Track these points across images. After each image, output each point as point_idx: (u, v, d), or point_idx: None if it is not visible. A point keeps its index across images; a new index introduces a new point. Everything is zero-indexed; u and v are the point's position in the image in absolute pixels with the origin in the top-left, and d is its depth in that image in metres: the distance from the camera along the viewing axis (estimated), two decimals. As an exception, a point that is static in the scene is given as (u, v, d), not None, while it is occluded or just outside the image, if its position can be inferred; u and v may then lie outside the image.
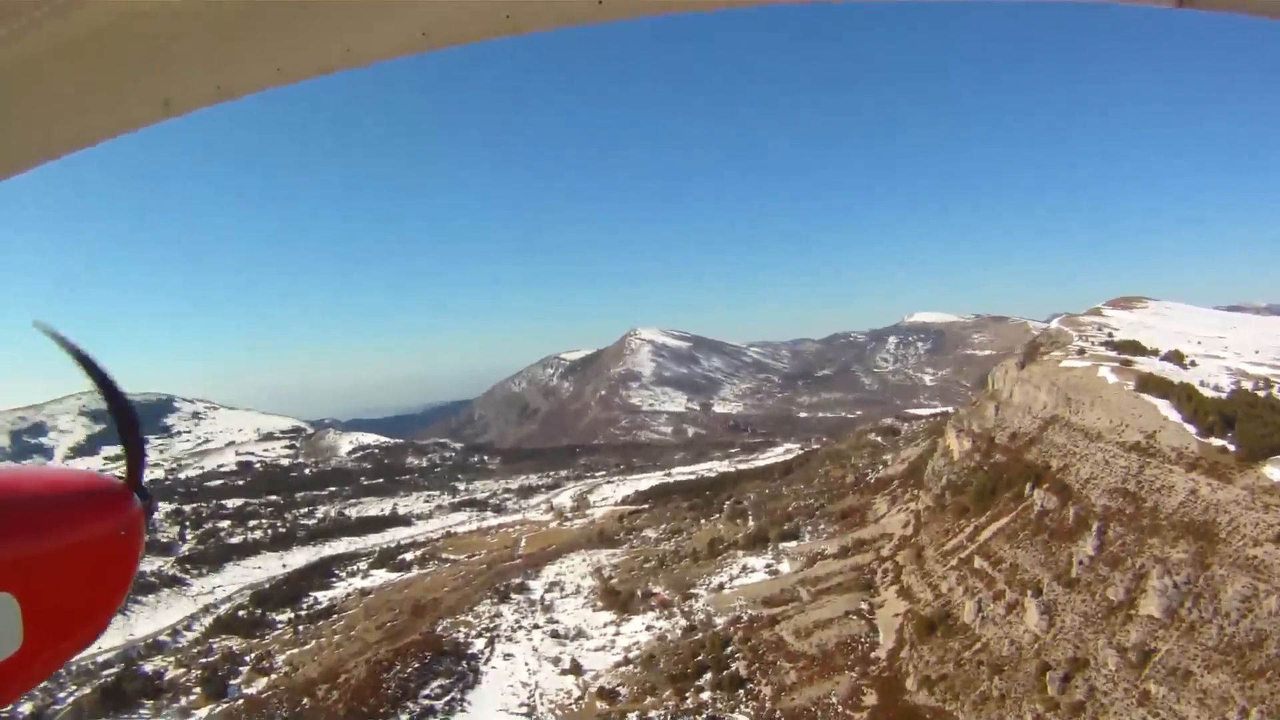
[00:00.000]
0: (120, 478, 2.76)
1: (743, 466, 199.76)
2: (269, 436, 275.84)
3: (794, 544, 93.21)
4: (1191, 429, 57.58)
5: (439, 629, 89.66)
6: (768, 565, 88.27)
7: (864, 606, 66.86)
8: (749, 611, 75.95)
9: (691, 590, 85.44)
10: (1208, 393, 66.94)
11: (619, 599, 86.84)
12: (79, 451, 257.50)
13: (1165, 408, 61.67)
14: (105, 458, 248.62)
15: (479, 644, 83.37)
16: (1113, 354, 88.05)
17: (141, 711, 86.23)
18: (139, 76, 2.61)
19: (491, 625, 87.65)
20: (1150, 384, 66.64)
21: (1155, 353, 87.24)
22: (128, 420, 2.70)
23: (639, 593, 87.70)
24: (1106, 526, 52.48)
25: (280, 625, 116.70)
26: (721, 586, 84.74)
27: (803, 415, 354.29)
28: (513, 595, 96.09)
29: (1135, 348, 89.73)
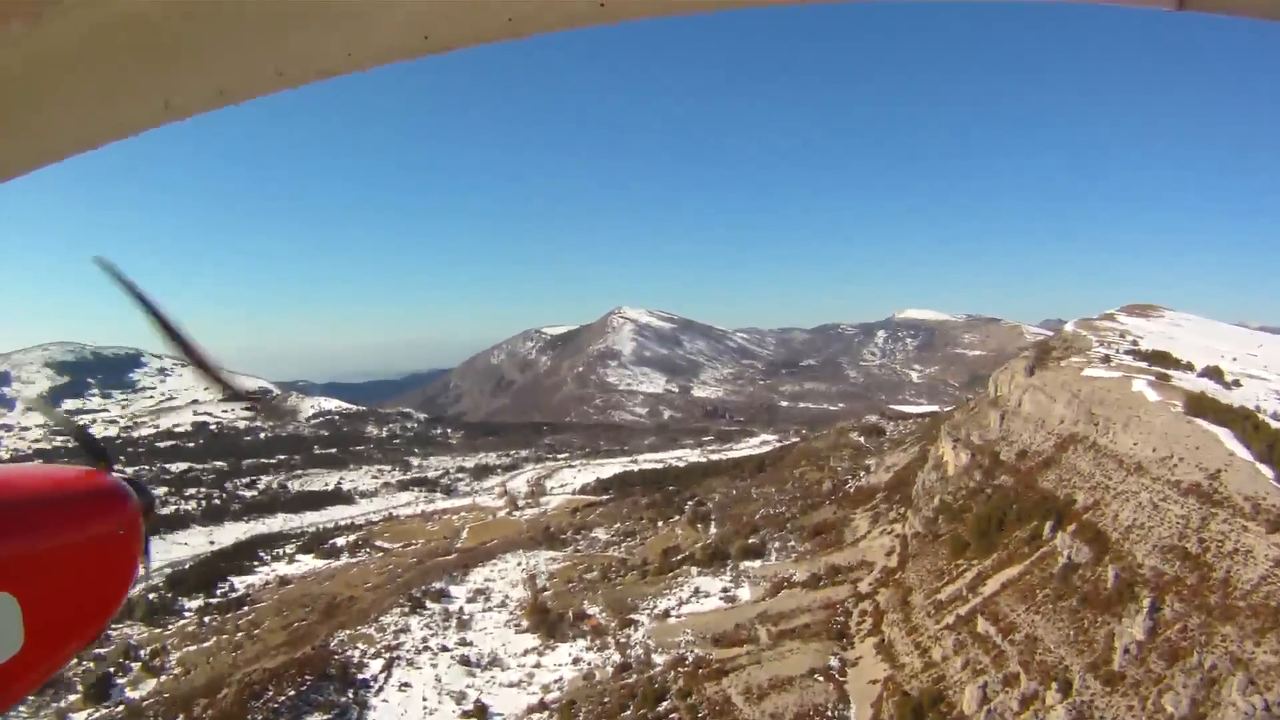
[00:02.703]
0: (121, 477, 2.79)
1: (714, 457, 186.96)
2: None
3: (758, 563, 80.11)
4: (1267, 471, 44.58)
5: (334, 642, 76.36)
6: (724, 590, 75.09)
7: (834, 663, 53.73)
8: (695, 650, 62.84)
9: (632, 615, 72.27)
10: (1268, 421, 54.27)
11: (547, 619, 73.51)
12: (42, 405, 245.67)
13: (1227, 439, 48.66)
14: (65, 411, 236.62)
15: (375, 666, 70.00)
16: (1143, 365, 75.30)
17: (20, 709, 73.63)
18: (140, 79, 2.57)
19: (395, 642, 74.18)
20: (1204, 406, 53.53)
21: (1190, 367, 74.54)
22: (193, 354, 2.64)
23: (571, 614, 74.38)
24: (1160, 600, 39.35)
25: (188, 614, 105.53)
26: (667, 614, 71.52)
27: (784, 404, 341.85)
28: (428, 604, 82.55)
29: (1166, 359, 77.01)
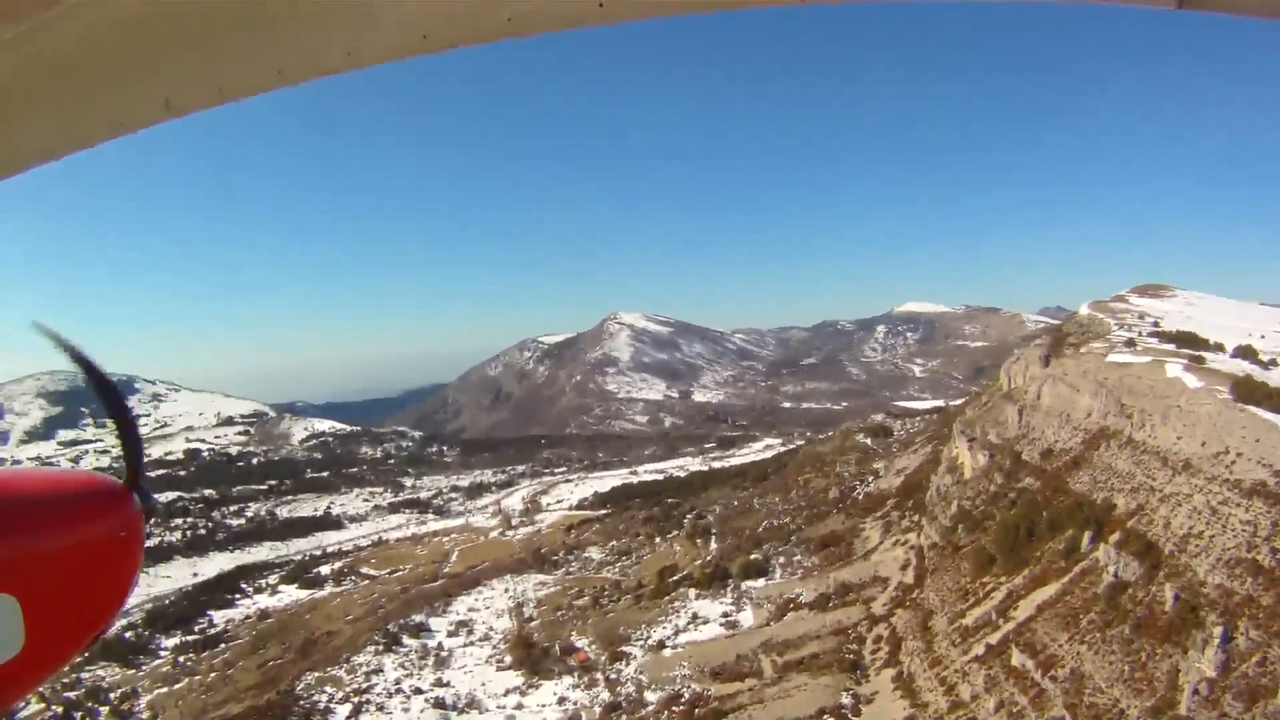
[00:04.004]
0: (120, 478, 2.77)
1: (716, 464, 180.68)
2: (227, 421, 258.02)
3: (761, 583, 73.55)
4: (1342, 465, 38.20)
5: (301, 686, 70.25)
6: (725, 614, 68.58)
7: (846, 700, 47.23)
8: (692, 686, 56.43)
9: (624, 647, 65.79)
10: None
11: (531, 654, 67.06)
12: (34, 436, 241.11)
13: (1289, 428, 42.26)
14: (60, 442, 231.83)
15: (342, 712, 63.78)
16: (1170, 347, 68.94)
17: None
18: (140, 77, 2.60)
19: (365, 685, 67.83)
20: (1254, 392, 47.11)
21: (1220, 348, 68.20)
22: (126, 421, 2.66)
23: (558, 647, 67.93)
24: (1232, 627, 32.89)
25: (164, 653, 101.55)
26: (662, 644, 65.01)
27: (786, 405, 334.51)
28: (404, 640, 76.18)
29: (1194, 340, 70.64)
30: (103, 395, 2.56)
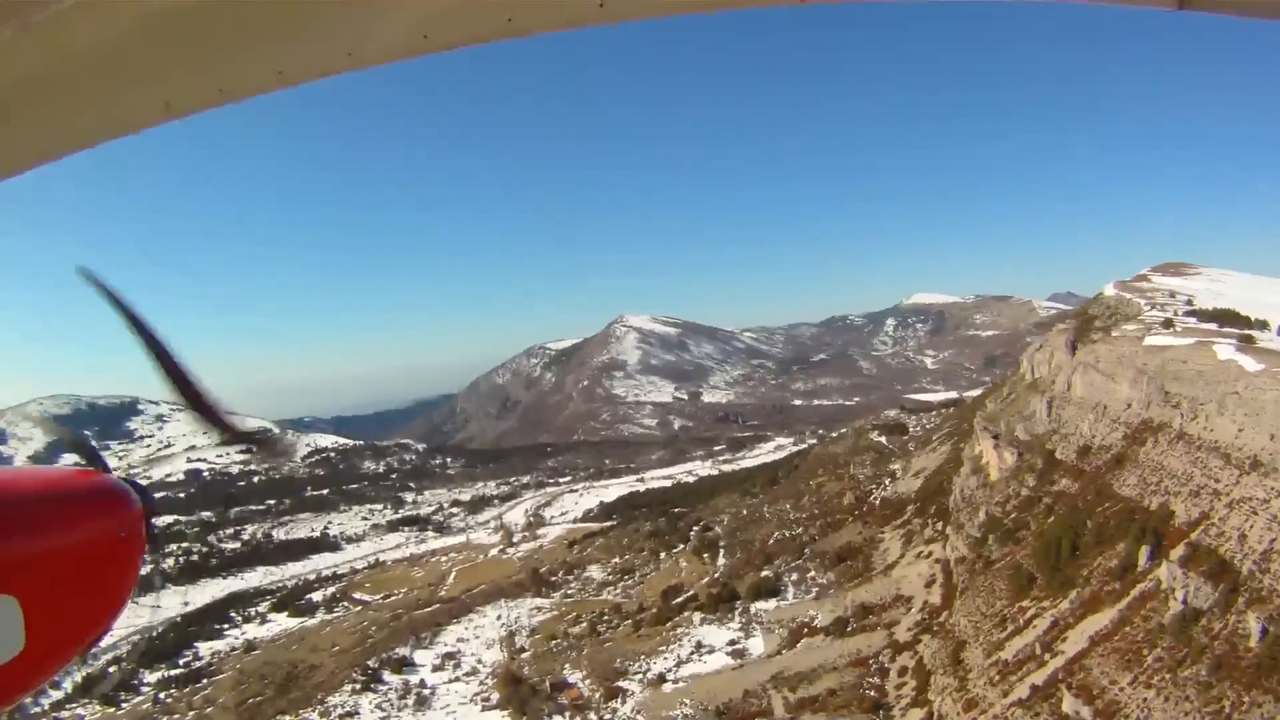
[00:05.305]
0: (121, 478, 2.77)
1: (726, 468, 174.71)
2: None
3: (771, 604, 67.23)
4: None
5: (272, 735, 64.67)
6: (732, 642, 62.34)
7: (869, 750, 40.81)
8: (696, 730, 50.27)
9: (620, 682, 59.62)
10: None
11: (520, 692, 60.97)
12: (37, 460, 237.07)
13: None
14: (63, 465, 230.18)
15: (313, 766, 58.15)
16: (1212, 326, 62.29)
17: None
18: (140, 79, 2.61)
19: (341, 731, 62.19)
20: (1329, 375, 40.47)
21: (1264, 325, 61.66)
22: (179, 376, 2.60)
23: (549, 684, 61.80)
24: (1347, 668, 26.40)
25: (146, 689, 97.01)
26: (663, 678, 58.76)
27: (797, 403, 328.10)
28: (385, 677, 70.40)
29: (1235, 318, 64.00)
30: (150, 349, 2.42)
